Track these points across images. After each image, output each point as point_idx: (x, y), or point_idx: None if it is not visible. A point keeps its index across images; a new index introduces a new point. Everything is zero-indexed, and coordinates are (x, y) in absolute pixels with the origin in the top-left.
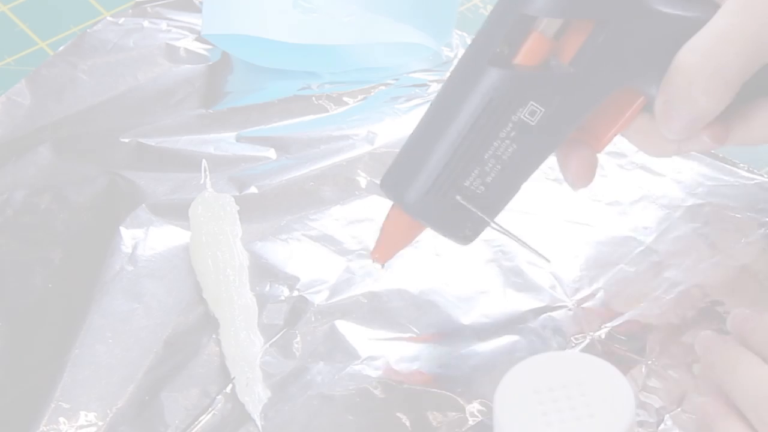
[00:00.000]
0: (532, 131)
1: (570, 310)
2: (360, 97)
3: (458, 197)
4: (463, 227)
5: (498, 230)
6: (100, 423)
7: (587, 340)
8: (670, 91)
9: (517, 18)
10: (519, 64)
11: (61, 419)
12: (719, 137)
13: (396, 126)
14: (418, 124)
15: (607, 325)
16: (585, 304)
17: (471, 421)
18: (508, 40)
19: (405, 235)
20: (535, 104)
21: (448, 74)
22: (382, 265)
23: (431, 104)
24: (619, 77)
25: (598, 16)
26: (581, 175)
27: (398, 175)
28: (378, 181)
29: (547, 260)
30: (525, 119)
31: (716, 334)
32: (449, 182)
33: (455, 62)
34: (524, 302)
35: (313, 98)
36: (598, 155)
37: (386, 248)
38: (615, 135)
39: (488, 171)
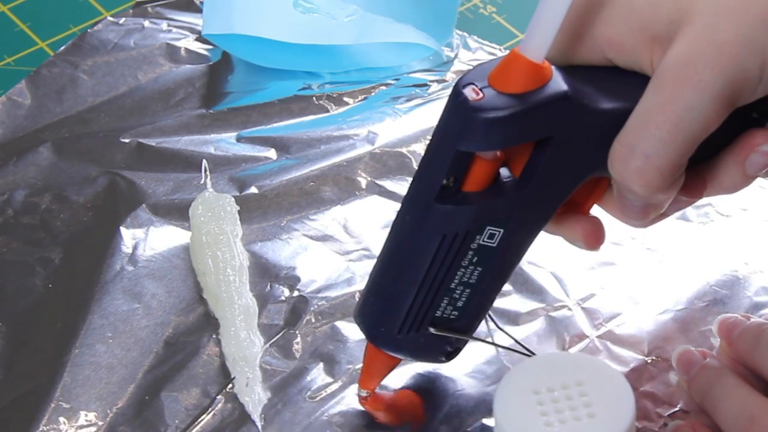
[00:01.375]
0: (495, 252)
1: (570, 310)
2: (360, 97)
3: (431, 329)
4: (442, 350)
5: (480, 341)
6: (100, 423)
7: (587, 340)
8: (615, 185)
9: (456, 153)
10: (469, 192)
11: (61, 419)
12: (696, 193)
13: (396, 126)
14: (377, 262)
15: (607, 325)
16: (585, 304)
17: (470, 421)
18: (452, 173)
19: (386, 365)
20: (492, 228)
21: (403, 202)
22: (368, 393)
23: (386, 242)
24: (573, 180)
25: (539, 136)
26: (591, 238)
27: (367, 317)
28: (378, 182)
29: (533, 353)
30: (485, 244)
31: (693, 350)
32: (419, 318)
33: (455, 62)
34: (524, 302)
35: (314, 98)
36: None
37: (371, 377)
38: (593, 203)
39: (458, 297)
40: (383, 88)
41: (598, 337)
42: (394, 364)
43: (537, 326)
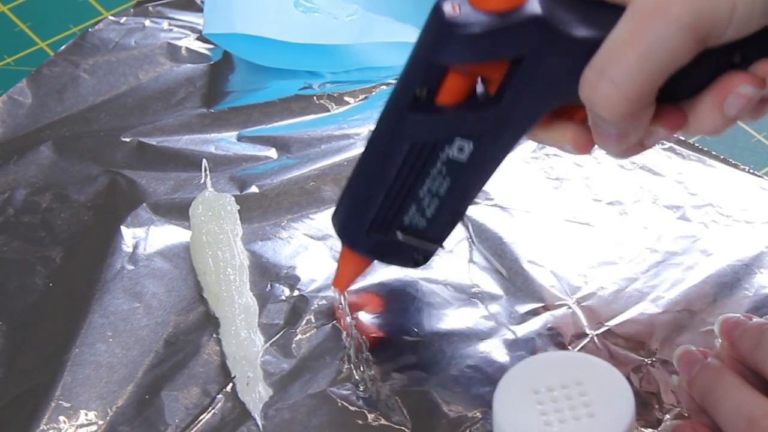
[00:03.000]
0: (465, 166)
1: (570, 309)
2: (361, 97)
3: (399, 233)
4: (410, 257)
5: (445, 250)
6: (101, 422)
7: (587, 340)
8: (588, 111)
9: (430, 65)
10: (441, 104)
11: (62, 418)
12: (674, 125)
13: None
14: (354, 166)
15: (607, 324)
16: (585, 304)
17: (470, 421)
18: (425, 84)
19: (357, 267)
20: (462, 141)
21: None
22: (342, 293)
23: (365, 147)
24: (545, 103)
25: (511, 55)
26: (580, 144)
27: (340, 216)
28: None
29: (504, 275)
30: (454, 156)
31: (694, 350)
32: (387, 221)
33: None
34: (524, 301)
35: (314, 98)
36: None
37: (343, 279)
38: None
39: (426, 206)
40: (384, 87)
41: (597, 336)
42: (364, 266)
43: (537, 325)
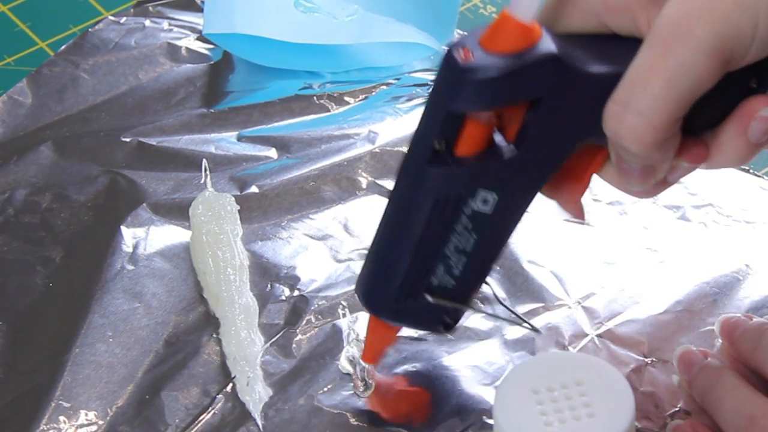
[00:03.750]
0: (490, 218)
1: (570, 309)
2: (361, 97)
3: (428, 297)
4: (440, 320)
5: (479, 311)
6: (101, 422)
7: (587, 340)
8: (612, 148)
9: (447, 115)
10: (461, 156)
11: (62, 418)
12: (697, 158)
13: (397, 125)
14: (376, 231)
15: (607, 324)
16: (585, 304)
17: (470, 422)
18: (443, 136)
19: (387, 336)
20: (485, 192)
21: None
22: (374, 365)
23: (385, 210)
24: (567, 145)
25: (528, 96)
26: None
27: (366, 285)
28: (379, 181)
29: (537, 330)
30: (479, 209)
31: (694, 350)
32: (415, 285)
33: None
34: (524, 302)
35: (315, 98)
36: None
37: (374, 350)
38: (585, 189)
39: (453, 265)
40: (384, 87)
41: (598, 336)
42: (394, 336)
43: (537, 325)
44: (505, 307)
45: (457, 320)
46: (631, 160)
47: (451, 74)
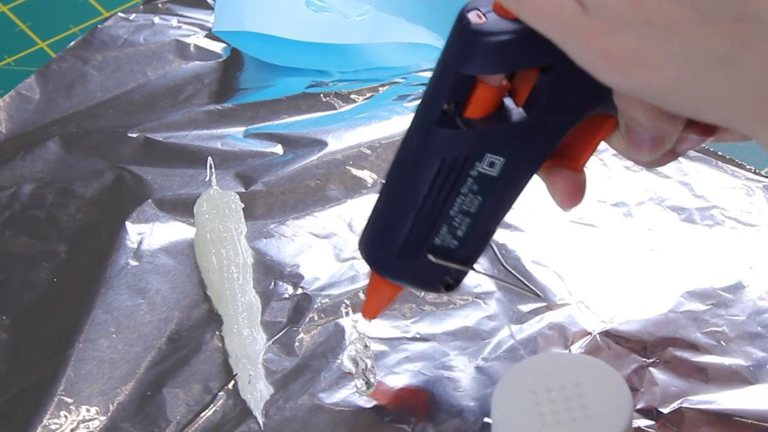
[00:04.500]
0: (496, 182)
1: (573, 308)
2: (368, 95)
3: (430, 256)
4: (441, 280)
5: (482, 274)
6: (102, 417)
7: (588, 340)
8: (621, 117)
9: (457, 76)
10: (470, 117)
11: (63, 413)
12: (707, 131)
13: (403, 124)
14: (381, 189)
15: (610, 324)
16: (588, 304)
17: (470, 422)
18: (453, 97)
19: (387, 294)
20: (493, 156)
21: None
22: (370, 320)
23: (390, 168)
24: (576, 112)
25: (540, 62)
26: (568, 197)
27: (369, 241)
28: (383, 181)
29: (539, 295)
30: (485, 171)
31: None
32: (418, 243)
33: None
34: (527, 301)
35: (322, 96)
36: (601, 159)
37: (373, 307)
38: (591, 155)
39: (457, 225)
40: (390, 86)
41: (600, 335)
42: (395, 293)
43: (540, 324)
44: (508, 269)
45: (458, 281)
46: (641, 130)
47: (463, 36)
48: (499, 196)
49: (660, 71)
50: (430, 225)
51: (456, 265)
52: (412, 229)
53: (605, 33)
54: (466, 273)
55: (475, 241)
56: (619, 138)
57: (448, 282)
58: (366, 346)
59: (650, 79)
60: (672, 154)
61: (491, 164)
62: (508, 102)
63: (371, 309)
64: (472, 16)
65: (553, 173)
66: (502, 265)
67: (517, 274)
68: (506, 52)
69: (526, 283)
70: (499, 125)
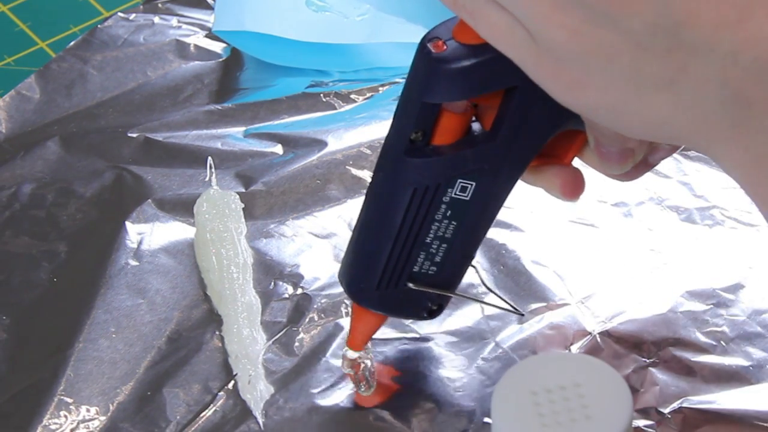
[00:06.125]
0: (469, 206)
1: (573, 308)
2: (367, 95)
3: (410, 285)
4: (424, 307)
5: (464, 297)
6: (102, 417)
7: (588, 340)
8: (589, 132)
9: (422, 105)
10: (438, 145)
11: (63, 413)
12: None
13: None
14: (357, 220)
15: (610, 324)
16: (588, 304)
17: (470, 422)
18: (420, 126)
19: (371, 324)
20: (464, 181)
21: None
22: (357, 352)
23: (364, 200)
24: (544, 131)
25: (503, 85)
26: (569, 190)
27: (348, 274)
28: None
29: (521, 314)
30: (457, 197)
31: None
32: (397, 273)
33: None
34: (527, 301)
35: (321, 95)
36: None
37: (358, 337)
38: (576, 153)
39: (435, 252)
40: (390, 86)
41: (600, 335)
42: (379, 323)
43: (540, 324)
44: (490, 290)
45: (441, 307)
46: (608, 144)
47: (425, 65)
48: (474, 220)
49: (605, 95)
50: (408, 254)
51: (436, 291)
52: (389, 260)
53: (552, 61)
54: (448, 298)
55: (454, 266)
56: (590, 153)
57: (430, 308)
58: (366, 347)
59: (597, 101)
60: (646, 165)
61: (463, 189)
62: (476, 126)
63: (356, 341)
64: (433, 45)
65: (544, 172)
66: (485, 285)
67: (498, 294)
68: (468, 78)
69: (509, 302)
70: (468, 150)
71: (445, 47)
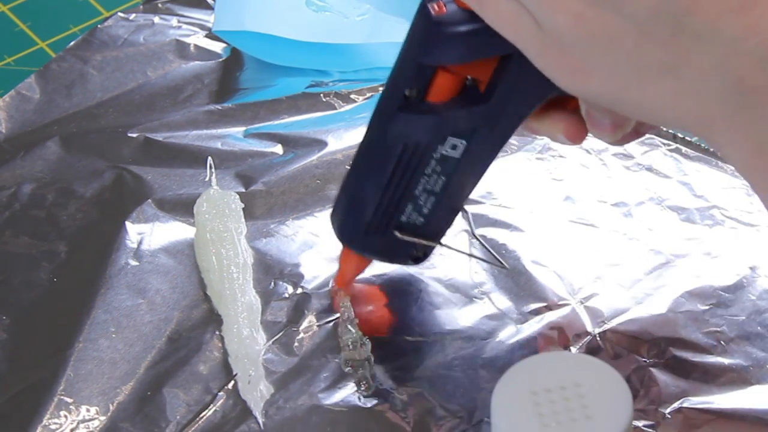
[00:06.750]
0: (459, 163)
1: (573, 308)
2: (368, 95)
3: (396, 232)
4: (409, 254)
5: (446, 247)
6: (102, 417)
7: (588, 339)
8: (581, 102)
9: (419, 65)
10: (432, 102)
11: (63, 413)
12: None
13: None
14: (349, 168)
15: (610, 324)
16: (588, 304)
17: (470, 422)
18: (415, 84)
19: (358, 265)
20: (455, 139)
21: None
22: (343, 289)
23: (358, 148)
24: (536, 96)
25: (499, 52)
26: (573, 135)
27: (338, 217)
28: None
29: (505, 266)
30: (448, 154)
31: None
32: (384, 220)
33: None
34: (527, 301)
35: (321, 95)
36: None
37: (345, 277)
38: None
39: (422, 204)
40: None
41: (600, 335)
42: (364, 265)
43: (539, 325)
44: (478, 240)
45: (426, 255)
46: (601, 116)
47: (424, 27)
48: (462, 177)
49: (608, 81)
50: (396, 204)
51: (422, 241)
52: (378, 208)
53: (557, 46)
54: (433, 248)
55: (441, 218)
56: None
57: (415, 255)
58: (353, 320)
59: (600, 87)
60: (635, 134)
61: (453, 147)
62: (470, 87)
63: (343, 280)
64: (433, 7)
65: (547, 118)
66: (474, 235)
67: (485, 244)
68: (466, 43)
69: (494, 254)
70: (461, 110)
71: (444, 9)
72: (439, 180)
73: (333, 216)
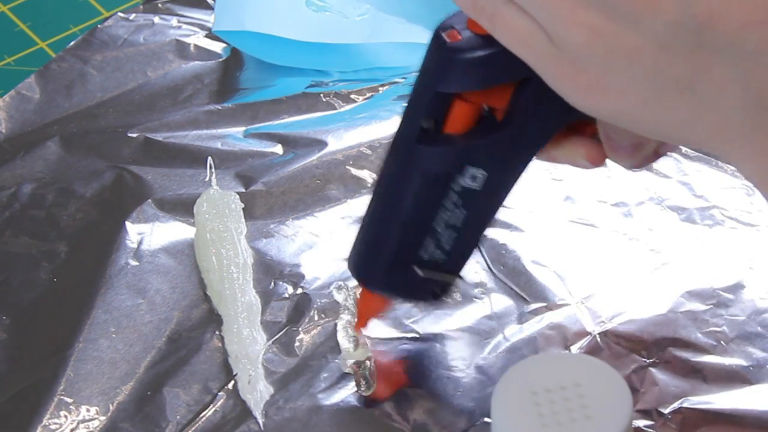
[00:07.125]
0: (479, 194)
1: (573, 308)
2: (368, 95)
3: (417, 269)
4: (430, 290)
5: (468, 282)
6: (102, 417)
7: (588, 339)
8: (599, 126)
9: (435, 94)
10: (450, 133)
11: (63, 413)
12: None
13: None
14: (367, 206)
15: (610, 324)
16: (588, 304)
17: (470, 422)
18: (432, 115)
19: (378, 307)
20: (474, 169)
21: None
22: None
23: (375, 185)
24: (555, 122)
25: (516, 77)
26: (594, 160)
27: (357, 258)
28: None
29: (528, 300)
30: (468, 185)
31: None
32: (405, 258)
33: None
34: (526, 301)
35: (322, 95)
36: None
37: (364, 320)
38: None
39: (443, 239)
40: (390, 86)
41: (600, 335)
42: (386, 306)
43: (540, 324)
44: (494, 275)
45: (446, 291)
46: (619, 139)
47: (439, 55)
48: (483, 208)
49: (625, 98)
50: (416, 240)
51: (443, 277)
52: (398, 245)
53: (572, 63)
54: (453, 282)
55: (462, 252)
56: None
57: (435, 291)
58: (353, 315)
59: (617, 105)
60: (654, 155)
61: (473, 178)
62: (487, 116)
63: (362, 322)
64: (448, 35)
65: (566, 144)
66: (490, 270)
67: (504, 279)
68: (482, 69)
69: (515, 288)
70: (479, 139)
71: (459, 37)
72: (460, 213)
73: (351, 258)
